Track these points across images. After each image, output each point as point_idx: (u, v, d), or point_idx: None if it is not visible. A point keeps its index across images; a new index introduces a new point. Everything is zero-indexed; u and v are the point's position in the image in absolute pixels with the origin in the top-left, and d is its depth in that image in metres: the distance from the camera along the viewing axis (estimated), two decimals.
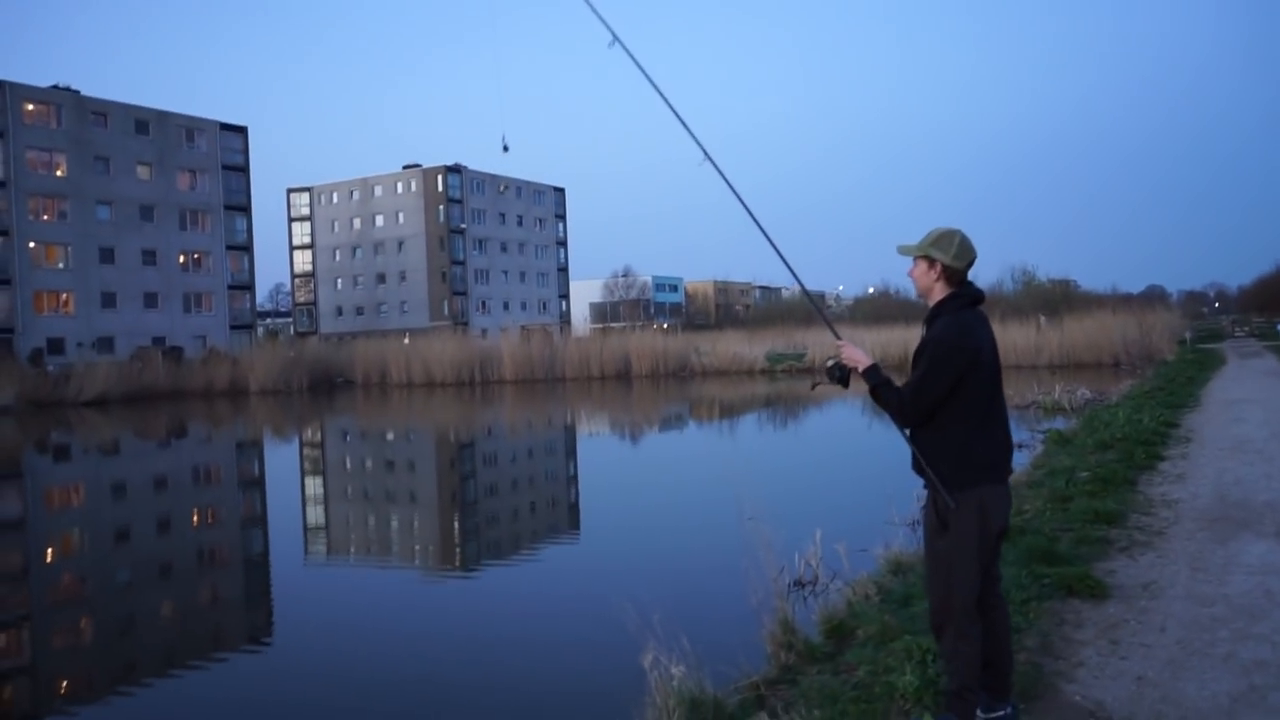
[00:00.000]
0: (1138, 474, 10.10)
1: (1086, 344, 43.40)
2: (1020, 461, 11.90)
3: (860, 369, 3.84)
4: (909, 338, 46.90)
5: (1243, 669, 4.49)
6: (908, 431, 3.88)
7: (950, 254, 3.73)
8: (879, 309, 78.90)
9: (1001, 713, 3.87)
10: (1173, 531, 7.42)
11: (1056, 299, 65.24)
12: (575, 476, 19.54)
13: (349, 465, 23.02)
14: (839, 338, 4.03)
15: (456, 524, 14.72)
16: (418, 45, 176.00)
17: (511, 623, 8.48)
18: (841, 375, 3.88)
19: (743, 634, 5.71)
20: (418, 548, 13.08)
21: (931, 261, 3.78)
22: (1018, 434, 8.93)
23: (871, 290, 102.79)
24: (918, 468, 3.81)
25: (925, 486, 3.84)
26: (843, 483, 15.19)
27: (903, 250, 3.91)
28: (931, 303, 3.85)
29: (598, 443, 26.22)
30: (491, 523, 14.60)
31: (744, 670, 5.00)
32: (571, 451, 24.32)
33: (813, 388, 3.92)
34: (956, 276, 3.77)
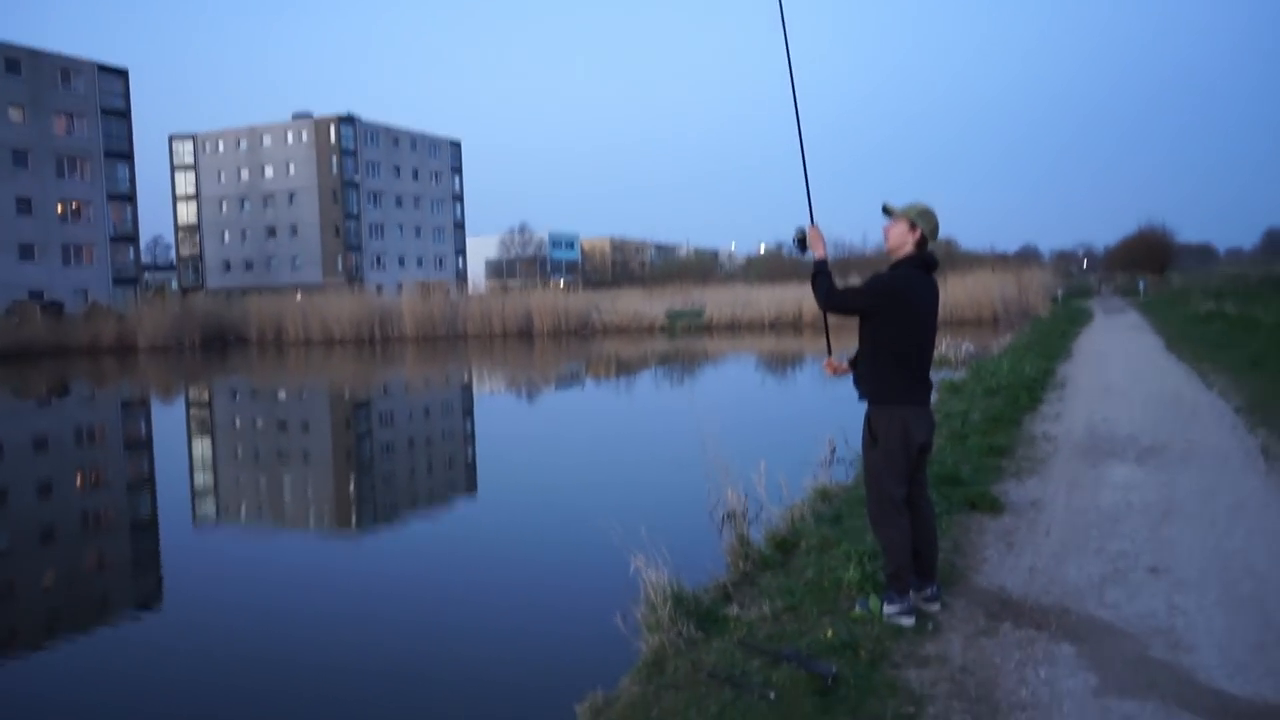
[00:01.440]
0: (1022, 415, 11.44)
1: (968, 301, 45.78)
2: None
3: (816, 255, 4.90)
4: (800, 296, 48.76)
5: (1109, 558, 5.63)
6: (858, 368, 4.86)
7: (929, 226, 4.70)
8: (771, 268, 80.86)
9: (929, 591, 4.89)
10: (1053, 460, 8.67)
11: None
12: (485, 435, 20.01)
13: (240, 425, 22.33)
14: (814, 223, 4.99)
15: (352, 484, 14.42)
16: None
17: (406, 584, 8.50)
18: (800, 246, 4.99)
19: (702, 553, 6.66)
20: (311, 509, 12.70)
21: (913, 226, 4.73)
22: None
23: (763, 249, 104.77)
24: (859, 390, 4.81)
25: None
26: (753, 431, 16.28)
27: (891, 209, 4.84)
28: (895, 258, 4.80)
29: (523, 399, 26.77)
30: (389, 482, 14.36)
31: (712, 576, 5.96)
32: (504, 409, 24.78)
33: (783, 251, 4.97)
34: (924, 244, 4.74)
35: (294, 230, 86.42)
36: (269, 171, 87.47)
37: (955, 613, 4.85)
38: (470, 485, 14.30)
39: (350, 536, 11.06)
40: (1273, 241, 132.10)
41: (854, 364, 4.93)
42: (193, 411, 26.12)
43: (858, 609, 4.86)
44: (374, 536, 11.05)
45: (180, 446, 19.19)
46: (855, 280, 12.28)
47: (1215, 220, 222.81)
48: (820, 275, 4.82)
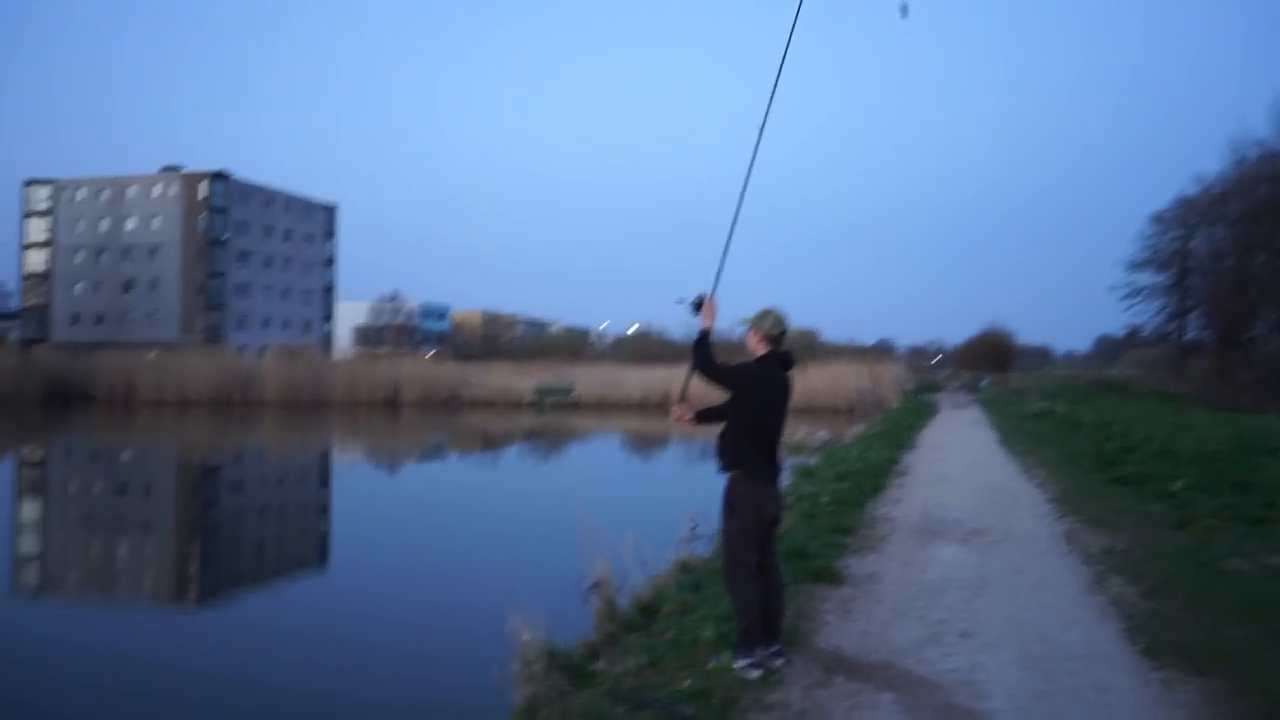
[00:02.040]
0: (866, 499, 12.45)
1: (826, 390, 47.88)
2: None
3: (703, 324, 5.58)
4: (671, 377, 50.08)
5: (929, 624, 6.46)
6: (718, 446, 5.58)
7: (766, 326, 5.50)
8: (641, 348, 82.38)
9: (775, 648, 5.57)
10: (890, 539, 9.60)
11: (802, 349, 71.10)
12: (351, 504, 19.96)
13: (76, 488, 20.97)
14: (711, 297, 5.62)
15: (196, 555, 13.87)
16: (186, 38, 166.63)
17: (260, 660, 8.31)
18: (695, 309, 5.64)
19: (573, 617, 7.19)
20: (149, 582, 12.07)
21: (757, 329, 5.53)
22: None
23: (634, 329, 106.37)
24: (720, 462, 5.52)
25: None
26: (621, 507, 16.85)
27: (742, 321, 5.64)
28: (757, 355, 5.59)
29: (391, 469, 26.62)
30: (239, 552, 13.94)
31: (581, 636, 6.51)
32: (364, 480, 24.59)
33: (676, 301, 5.55)
34: (772, 341, 5.53)
35: (153, 285, 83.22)
36: (131, 223, 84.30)
37: (797, 667, 5.53)
38: (333, 556, 14.10)
39: (190, 612, 10.59)
40: (1103, 347, 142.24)
41: (721, 438, 5.64)
42: (23, 471, 24.64)
43: (712, 663, 5.48)
44: (219, 611, 10.67)
45: (2, 508, 17.75)
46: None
47: (1054, 326, 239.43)
48: (702, 342, 5.54)
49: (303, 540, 15.62)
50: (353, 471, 25.71)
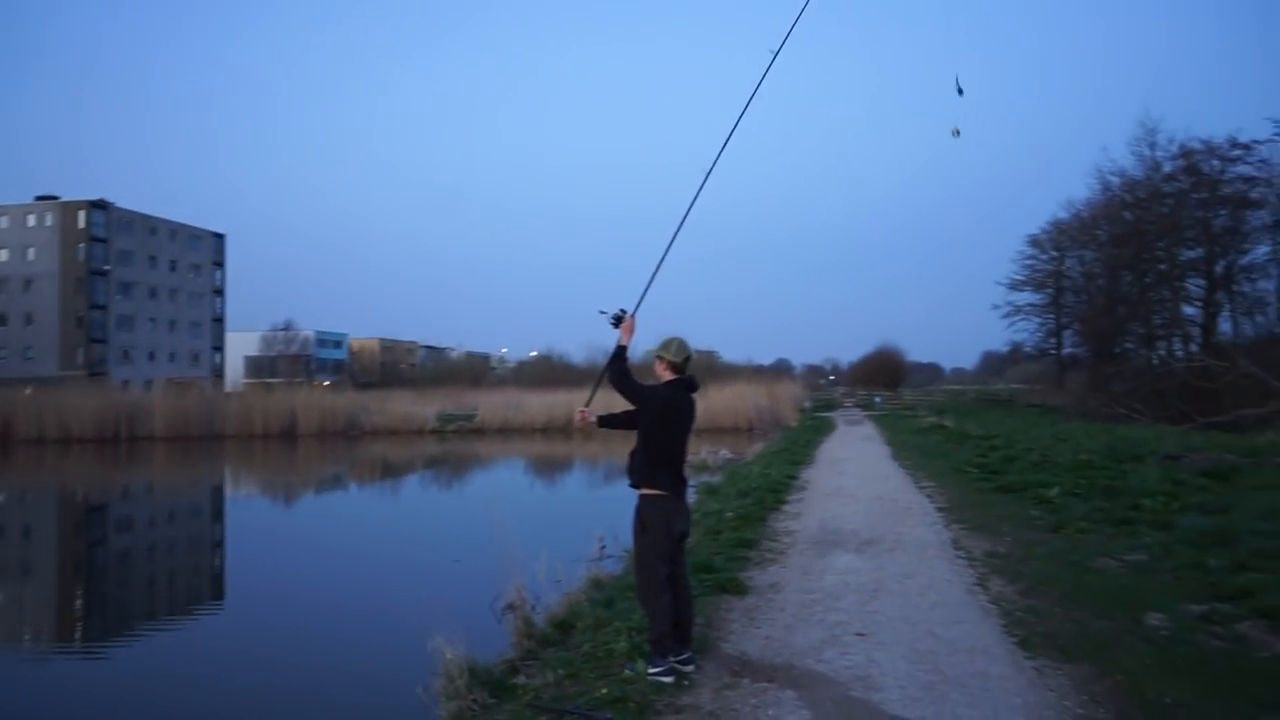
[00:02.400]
0: (768, 513, 12.95)
1: (727, 410, 48.70)
2: None
3: (620, 340, 5.95)
4: (572, 400, 50.31)
5: (828, 627, 6.90)
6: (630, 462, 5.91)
7: (671, 354, 5.87)
8: (543, 373, 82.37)
9: (685, 655, 5.91)
10: (791, 551, 10.07)
11: (703, 370, 72.14)
12: (253, 538, 19.62)
13: None
14: (632, 315, 5.98)
15: (80, 596, 13.49)
16: (62, 64, 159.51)
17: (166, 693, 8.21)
18: (615, 323, 5.96)
19: (491, 635, 7.41)
20: (26, 625, 11.70)
21: (661, 358, 5.89)
22: None
23: (534, 353, 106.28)
24: (631, 479, 5.85)
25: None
26: (532, 529, 17.00)
27: (648, 351, 6.01)
28: (665, 380, 5.95)
29: (291, 501, 26.10)
30: (129, 591, 13.60)
31: (500, 654, 6.75)
32: (274, 512, 24.08)
33: (600, 311, 5.87)
34: (677, 368, 5.89)
35: (28, 319, 79.32)
36: (2, 255, 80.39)
37: (706, 672, 5.88)
38: (233, 591, 13.81)
39: (74, 656, 10.23)
40: (988, 363, 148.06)
41: (631, 456, 5.96)
42: None
43: (627, 671, 5.79)
44: (112, 652, 10.32)
45: None
46: None
47: (943, 343, 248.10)
48: (618, 357, 5.92)
49: (197, 576, 15.34)
50: (249, 505, 25.14)
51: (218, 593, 14.00)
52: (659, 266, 6.26)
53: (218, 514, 23.34)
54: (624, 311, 6.01)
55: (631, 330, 6.00)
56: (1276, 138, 36.80)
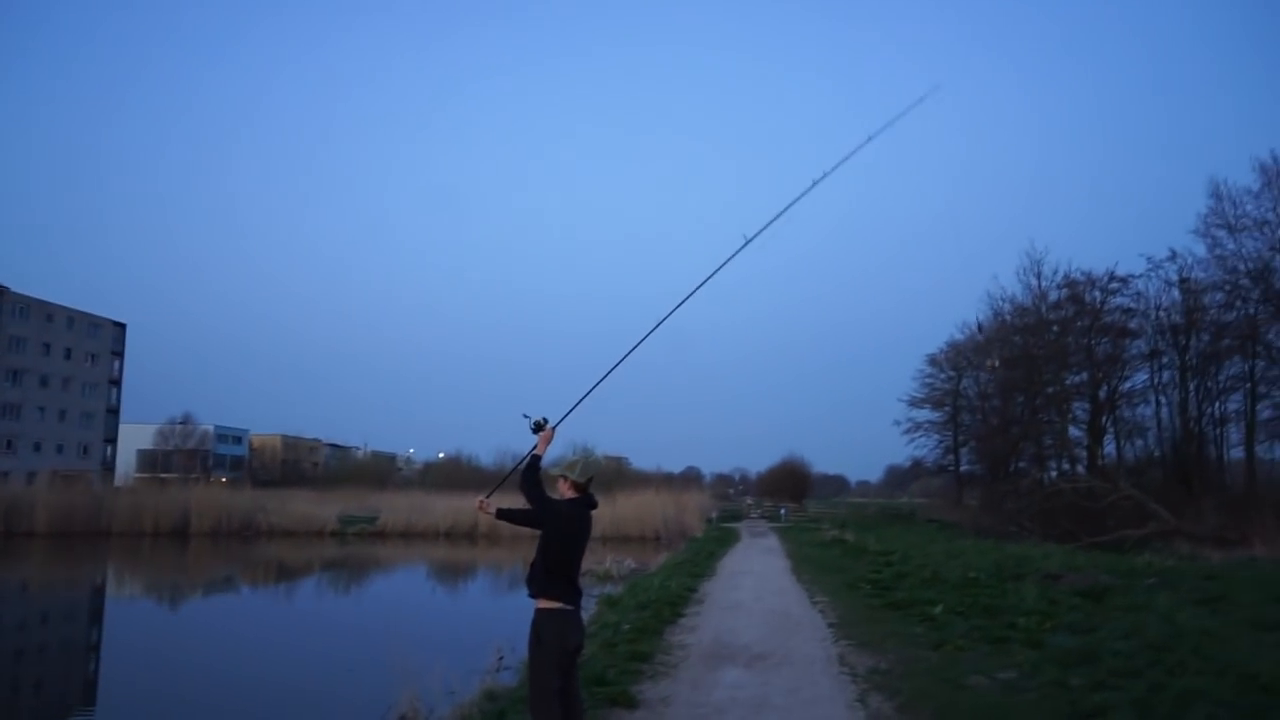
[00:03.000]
0: (664, 626, 13.14)
1: (634, 519, 48.81)
2: None
3: (537, 448, 6.24)
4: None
5: None
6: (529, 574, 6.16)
7: (575, 475, 6.19)
8: (450, 475, 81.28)
9: None
10: (683, 665, 10.29)
11: (612, 475, 72.23)
12: (127, 643, 18.91)
13: None
14: (552, 427, 6.27)
15: None
16: None
17: None
18: (535, 429, 6.22)
19: None
20: None
21: (565, 478, 6.21)
22: None
23: (442, 455, 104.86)
24: (529, 589, 6.10)
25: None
26: (427, 639, 16.78)
27: (553, 470, 6.33)
28: (567, 497, 6.27)
29: (173, 604, 25.13)
30: None
31: None
32: (134, 616, 23.14)
33: (523, 414, 6.10)
34: (579, 487, 6.21)
35: None
36: None
37: None
38: (102, 699, 13.29)
39: None
40: (892, 477, 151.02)
41: (530, 567, 6.21)
42: None
43: None
44: None
45: None
46: None
47: (848, 455, 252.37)
48: (533, 467, 6.23)
49: (68, 682, 14.77)
50: (130, 606, 24.19)
51: (88, 699, 13.46)
52: (592, 389, 6.63)
53: (96, 616, 22.41)
54: (546, 421, 6.31)
55: (549, 441, 6.32)
56: (1150, 272, 39.81)
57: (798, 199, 7.65)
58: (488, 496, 6.55)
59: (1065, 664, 9.51)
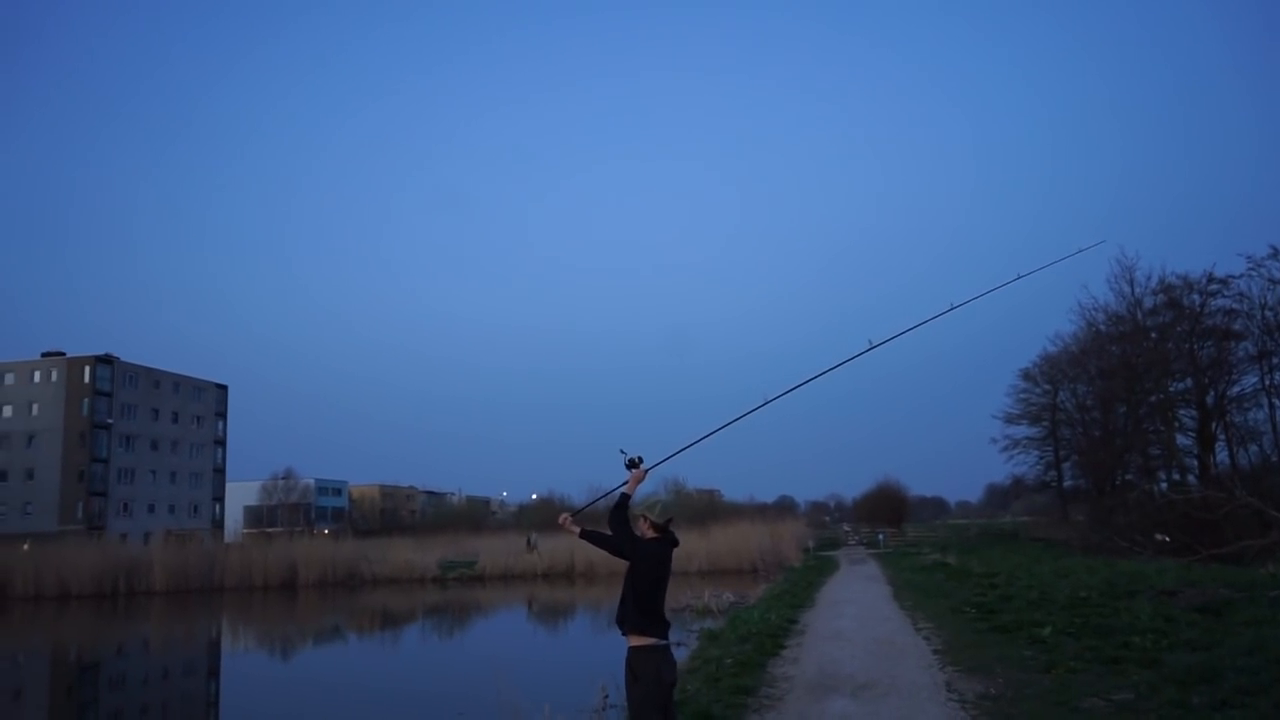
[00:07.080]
0: (767, 659, 13.08)
1: (730, 552, 48.53)
2: (681, 655, 14.53)
3: (627, 487, 6.34)
4: (574, 545, 50.06)
5: None
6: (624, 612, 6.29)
7: (654, 515, 6.33)
8: (544, 516, 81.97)
9: None
10: (788, 697, 10.25)
11: (705, 509, 71.98)
12: (249, 697, 19.52)
13: None
14: (646, 469, 6.42)
15: None
16: (66, 224, 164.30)
17: None
18: (629, 466, 6.35)
19: None
20: None
21: (644, 518, 6.36)
22: (676, 634, 11.50)
23: (535, 496, 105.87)
24: (621, 627, 6.22)
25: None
26: (530, 681, 16.95)
27: (633, 511, 6.47)
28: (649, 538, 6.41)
29: (288, 656, 25.87)
30: None
31: None
32: (240, 673, 23.87)
33: (620, 450, 6.32)
34: (658, 528, 6.35)
35: (29, 475, 79.45)
36: (7, 411, 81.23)
37: None
38: None
39: None
40: (992, 496, 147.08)
41: (621, 604, 6.35)
42: None
43: None
44: None
45: None
46: None
47: (947, 476, 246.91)
48: (619, 506, 6.36)
49: None
50: (246, 659, 24.95)
51: None
52: (694, 443, 6.85)
53: (213, 670, 23.18)
54: (640, 460, 6.47)
55: (640, 481, 6.48)
56: (1251, 271, 38.20)
57: (932, 318, 8.04)
58: (576, 514, 6.72)
59: (1185, 683, 9.19)
